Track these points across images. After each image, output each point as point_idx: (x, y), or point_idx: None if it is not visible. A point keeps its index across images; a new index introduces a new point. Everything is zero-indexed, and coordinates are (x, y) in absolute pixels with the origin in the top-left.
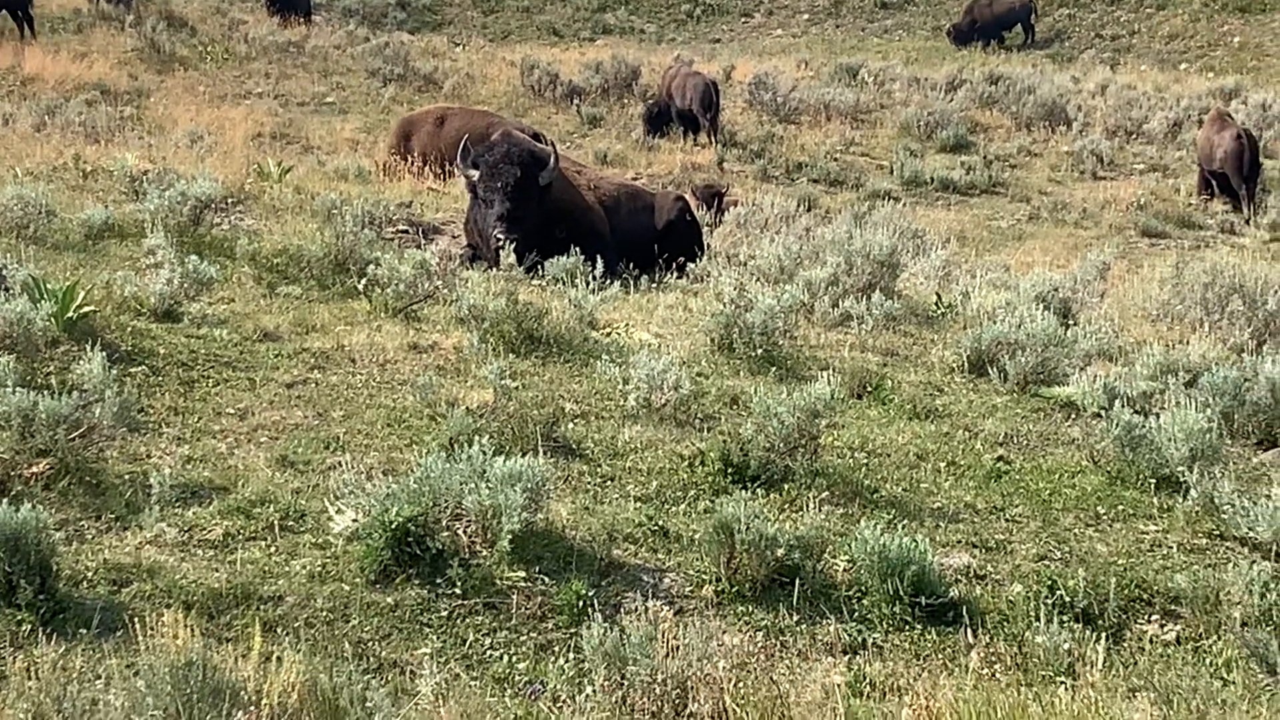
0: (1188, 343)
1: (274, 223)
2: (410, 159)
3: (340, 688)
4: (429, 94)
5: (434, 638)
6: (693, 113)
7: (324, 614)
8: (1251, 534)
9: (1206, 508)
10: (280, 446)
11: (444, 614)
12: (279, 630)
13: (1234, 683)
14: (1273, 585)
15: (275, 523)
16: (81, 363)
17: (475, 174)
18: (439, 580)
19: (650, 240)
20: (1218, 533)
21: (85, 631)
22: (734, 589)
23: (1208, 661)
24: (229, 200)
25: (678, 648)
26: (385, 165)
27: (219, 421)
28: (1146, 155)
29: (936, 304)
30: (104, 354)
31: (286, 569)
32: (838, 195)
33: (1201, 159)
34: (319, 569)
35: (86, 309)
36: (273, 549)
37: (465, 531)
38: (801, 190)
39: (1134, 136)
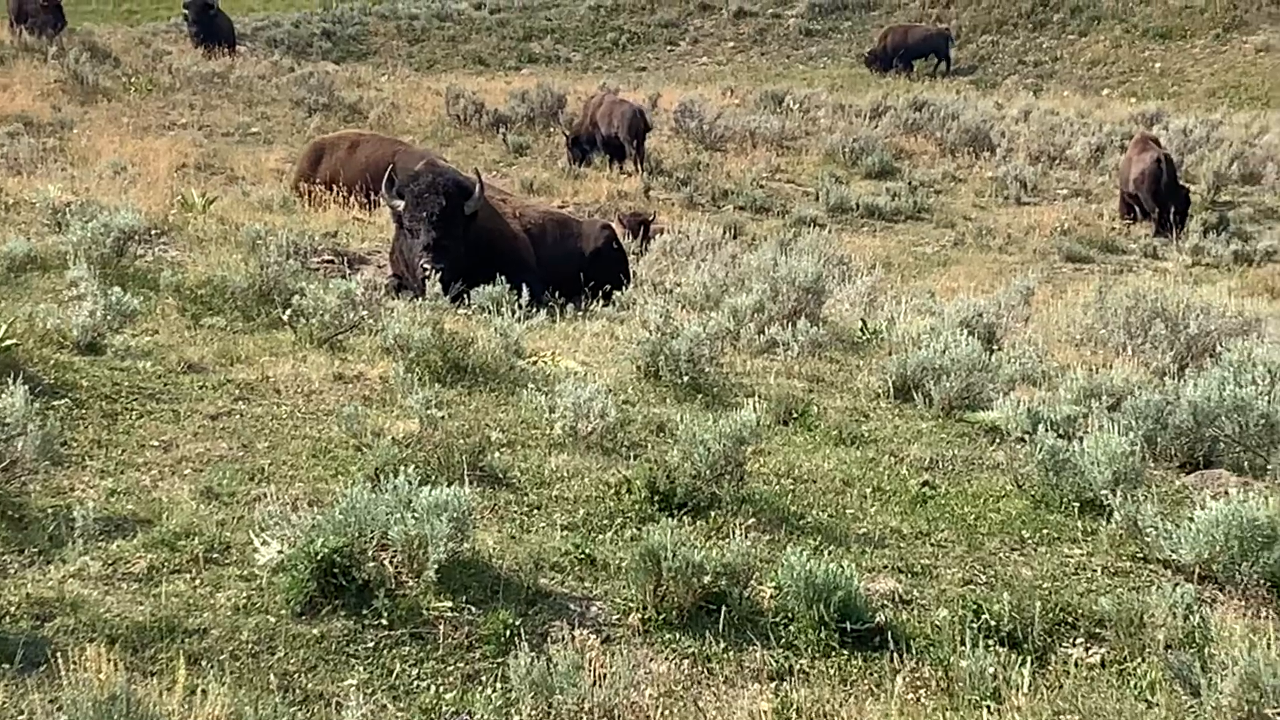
0: (1111, 367)
1: (198, 254)
2: (317, 183)
3: None
4: (354, 123)
5: (360, 669)
6: (619, 140)
7: (249, 646)
8: (1174, 556)
9: (1130, 531)
10: (205, 478)
11: (370, 645)
12: (204, 663)
13: (1158, 705)
14: (1195, 607)
15: (200, 555)
16: (3, 396)
17: (400, 204)
18: (365, 611)
19: (577, 268)
20: (1141, 555)
21: (8, 667)
22: (661, 617)
23: (1132, 684)
24: (153, 231)
25: (605, 676)
26: (308, 194)
27: (143, 454)
28: (1070, 180)
29: (862, 330)
30: (26, 387)
31: (211, 601)
32: (764, 222)
33: (1122, 181)
34: (244, 601)
35: (8, 342)
36: (197, 581)
37: (391, 562)
38: (728, 217)
39: (1057, 162)
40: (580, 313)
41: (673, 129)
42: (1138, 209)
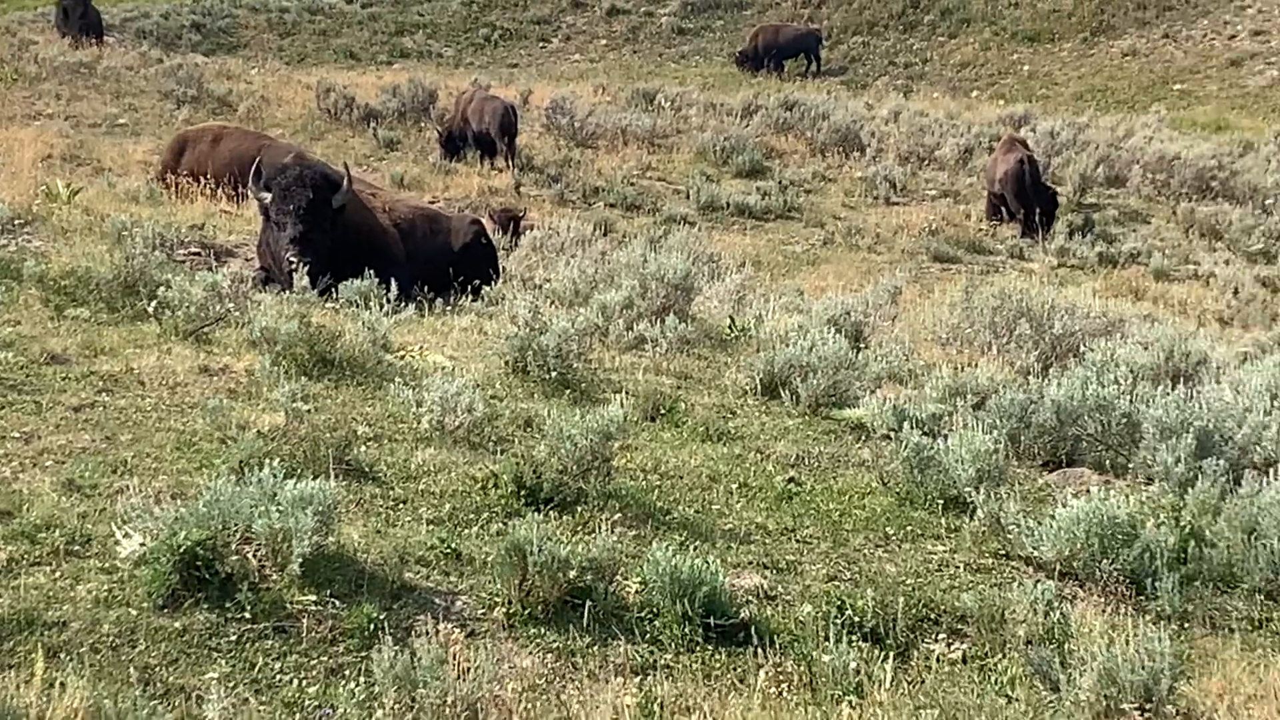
0: (976, 365)
1: (63, 245)
2: (182, 175)
3: (125, 714)
4: (224, 116)
5: (222, 662)
6: (490, 136)
7: (110, 639)
8: (1036, 553)
9: (993, 528)
10: (67, 470)
11: (233, 638)
12: (63, 656)
13: (1018, 700)
14: (1056, 604)
15: (61, 547)
16: None
17: (268, 196)
18: (228, 604)
19: (446, 263)
20: (1003, 552)
21: None
22: (526, 611)
23: (993, 679)
24: (16, 222)
25: (468, 670)
26: (174, 186)
27: (3, 445)
28: (938, 181)
29: (730, 327)
30: None
31: (72, 594)
32: (634, 219)
33: (988, 182)
34: (105, 594)
35: None
36: (58, 574)
37: (255, 555)
38: (598, 214)
39: (926, 163)
40: (449, 308)
41: (544, 126)
42: (1004, 210)
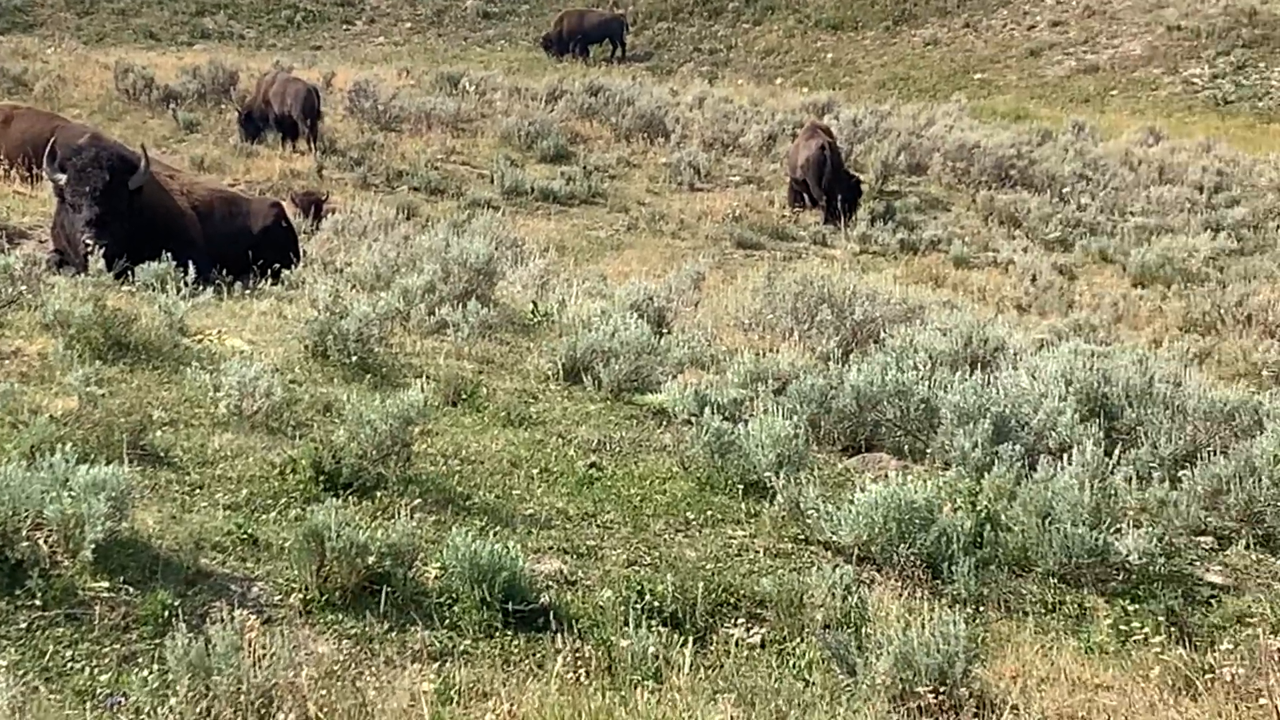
0: (778, 351)
1: None
2: None
3: None
4: (19, 96)
5: (12, 650)
6: (293, 119)
7: None
8: (835, 538)
9: (792, 513)
10: None
11: (23, 626)
12: None
13: (815, 684)
14: (854, 588)
15: None
16: None
17: (63, 178)
18: (18, 591)
19: (246, 246)
20: (803, 537)
21: None
22: (324, 597)
23: (790, 663)
24: None
25: (264, 657)
26: None
27: None
28: (742, 168)
29: (533, 312)
30: None
31: None
32: (438, 203)
33: (790, 169)
34: None
35: None
36: None
37: (46, 541)
38: (402, 198)
39: (730, 149)
40: (248, 291)
41: (347, 109)
42: (807, 196)
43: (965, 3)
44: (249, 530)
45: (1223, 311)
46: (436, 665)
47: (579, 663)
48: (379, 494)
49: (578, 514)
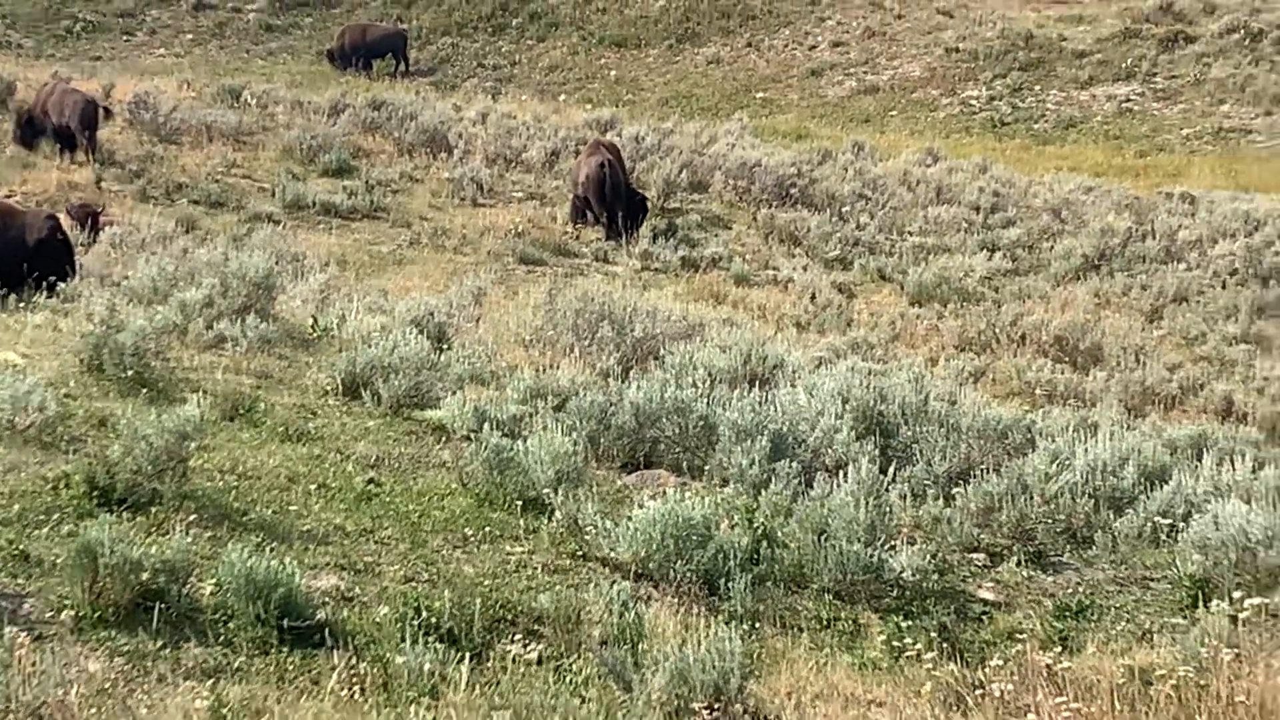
0: (558, 367)
1: None
2: None
3: None
4: None
5: None
6: (70, 130)
7: None
8: (613, 554)
9: (571, 529)
10: None
11: None
12: None
13: (591, 700)
14: (631, 604)
15: None
16: None
17: None
18: None
19: (20, 259)
20: (581, 553)
21: None
22: (97, 614)
23: (567, 680)
24: None
25: (34, 675)
26: None
27: None
28: (525, 184)
29: (313, 327)
30: None
31: None
32: (219, 217)
33: (572, 185)
34: None
35: None
36: None
37: None
38: (181, 211)
39: (513, 165)
40: (22, 304)
41: (127, 120)
42: (589, 213)
43: (748, 22)
44: (20, 546)
45: (997, 331)
46: (210, 682)
47: (354, 679)
48: (154, 509)
49: (355, 530)
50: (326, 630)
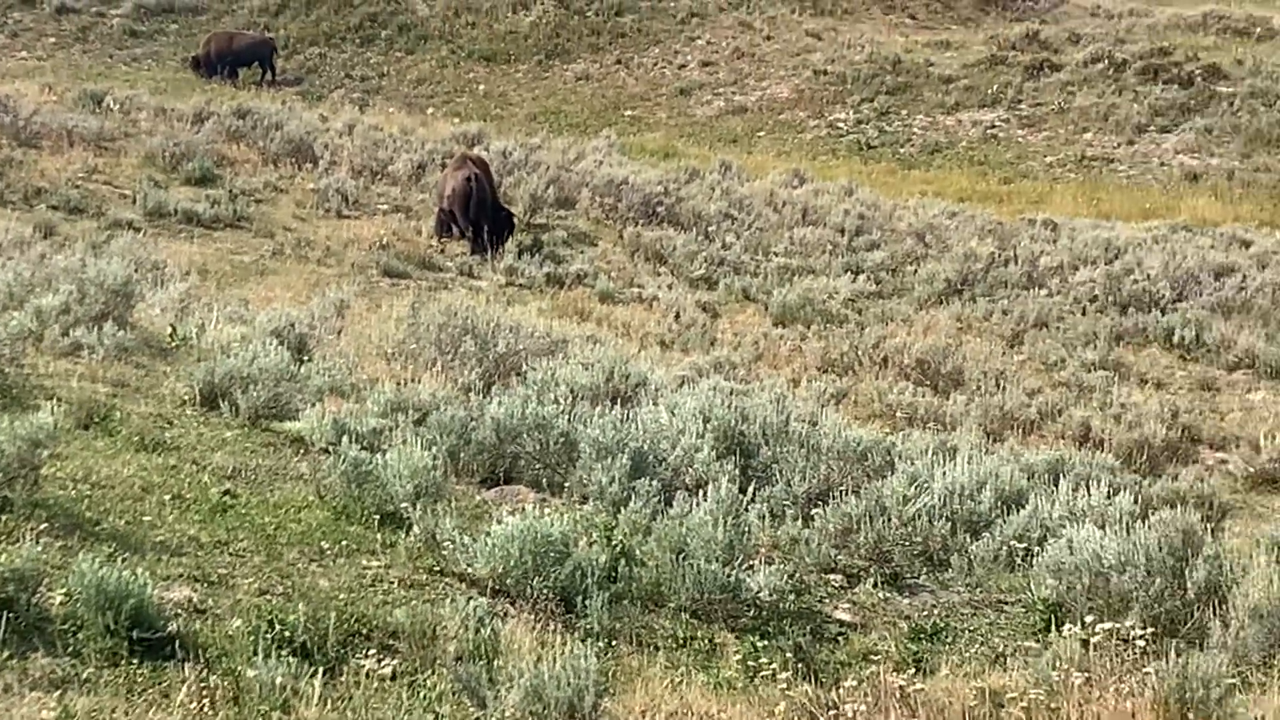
0: (420, 381)
1: None
2: None
3: None
4: None
5: None
6: None
7: None
8: (470, 570)
9: (428, 544)
10: None
11: None
12: None
13: (445, 716)
14: (487, 620)
15: None
16: None
17: None
18: None
19: None
20: (438, 568)
21: None
22: None
23: (421, 695)
24: None
25: None
26: None
27: None
28: (391, 196)
29: (172, 336)
30: None
31: None
32: (78, 223)
33: (438, 198)
34: None
35: None
36: None
37: None
38: (40, 216)
39: (379, 177)
40: None
41: None
42: (455, 227)
43: (617, 40)
44: None
45: (860, 353)
46: (57, 694)
47: (205, 692)
48: (4, 518)
49: (210, 541)
50: (178, 642)
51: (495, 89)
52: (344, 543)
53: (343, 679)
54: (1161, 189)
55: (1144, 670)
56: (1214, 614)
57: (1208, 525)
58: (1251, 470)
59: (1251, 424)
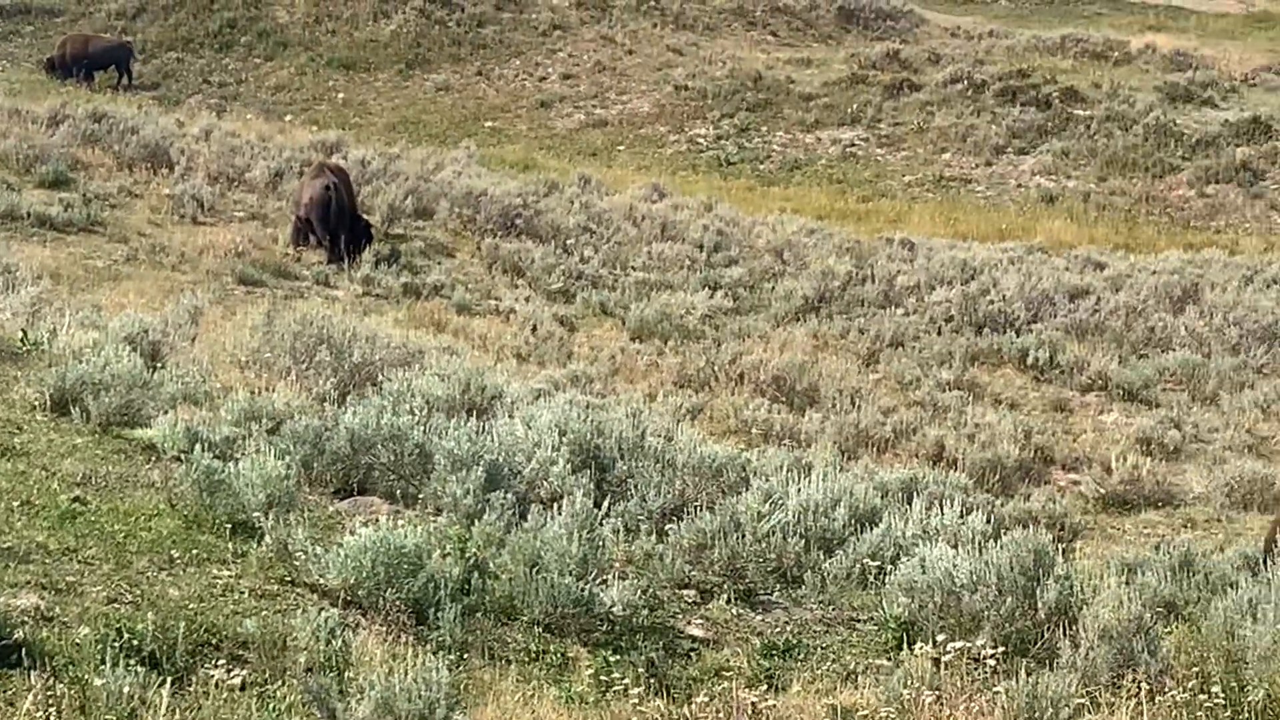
0: (274, 390)
1: None
2: None
3: None
4: None
5: None
6: None
7: None
8: (322, 580)
9: (280, 554)
10: None
11: None
12: None
13: None
14: (339, 631)
15: None
16: None
17: None
18: None
19: None
20: (290, 579)
21: None
22: None
23: (271, 706)
24: None
25: None
26: None
27: None
28: (248, 203)
29: (22, 340)
30: None
31: None
32: None
33: (295, 206)
34: None
35: None
36: None
37: None
38: None
39: (236, 184)
40: None
41: None
42: (312, 235)
43: (479, 51)
44: None
45: (717, 369)
46: None
47: (51, 701)
48: None
49: (59, 549)
50: (24, 650)
51: (355, 97)
52: (195, 552)
53: (191, 689)
54: (1018, 210)
55: (994, 689)
56: (1064, 634)
57: (1059, 545)
58: (1103, 491)
59: (1103, 445)
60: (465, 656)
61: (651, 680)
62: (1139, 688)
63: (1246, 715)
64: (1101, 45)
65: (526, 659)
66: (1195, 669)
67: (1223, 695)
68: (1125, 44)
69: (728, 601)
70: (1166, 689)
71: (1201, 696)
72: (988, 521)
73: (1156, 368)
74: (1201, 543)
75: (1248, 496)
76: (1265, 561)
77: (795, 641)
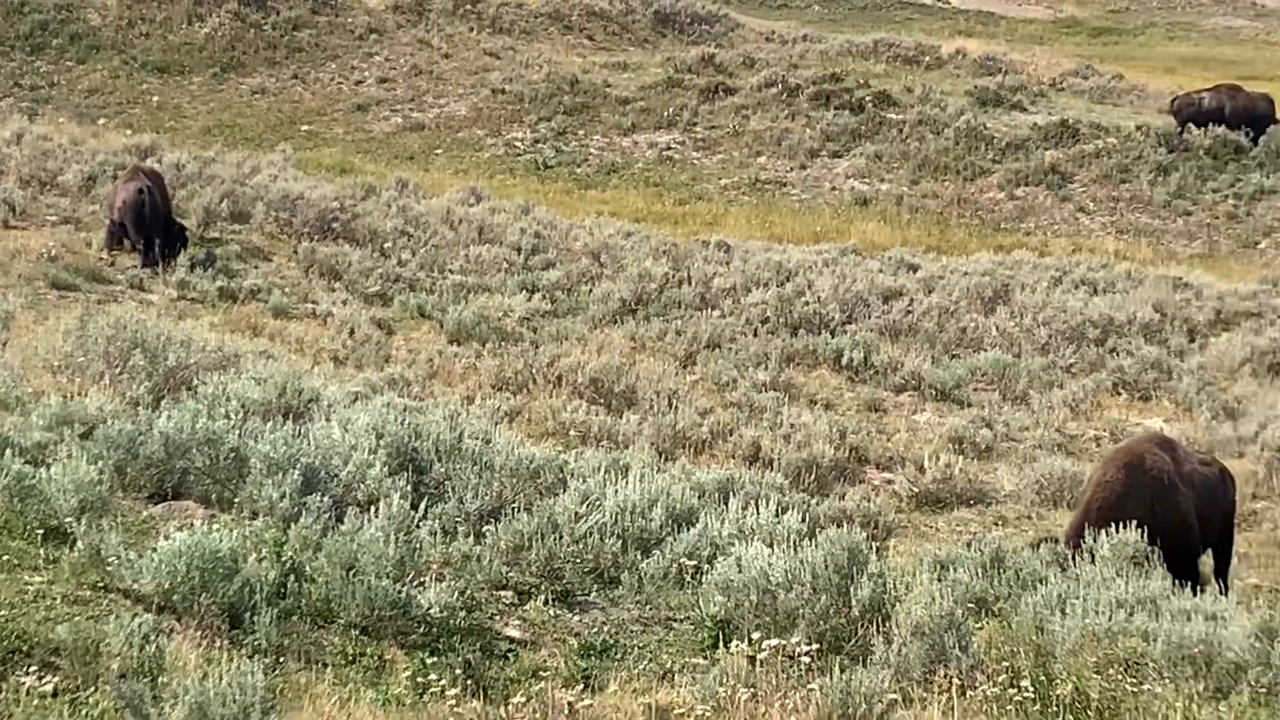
0: (87, 395)
1: None
2: None
3: None
4: None
5: None
6: None
7: None
8: (136, 586)
9: (93, 559)
10: None
11: None
12: None
13: None
14: (153, 637)
15: None
16: None
17: None
18: None
19: None
20: (103, 584)
21: None
22: None
23: (84, 713)
24: None
25: None
26: None
27: None
28: (60, 207)
29: None
30: None
31: None
32: None
33: (109, 210)
34: None
35: None
36: None
37: None
38: None
39: (48, 188)
40: None
41: None
42: (126, 239)
43: (294, 55)
44: None
45: (534, 371)
46: None
47: None
48: None
49: None
50: None
51: (169, 101)
52: (5, 558)
53: (2, 695)
54: (833, 213)
55: (809, 686)
56: (878, 631)
57: (873, 544)
58: (916, 490)
59: (916, 445)
60: (281, 660)
61: (469, 681)
62: (950, 683)
63: (1055, 709)
64: (913, 50)
65: (343, 662)
66: (1006, 664)
67: (1032, 689)
68: (936, 49)
69: (545, 602)
70: (977, 684)
71: (1011, 691)
72: (803, 520)
73: (968, 368)
74: (1012, 539)
75: (1057, 494)
76: (1073, 557)
77: (612, 641)
